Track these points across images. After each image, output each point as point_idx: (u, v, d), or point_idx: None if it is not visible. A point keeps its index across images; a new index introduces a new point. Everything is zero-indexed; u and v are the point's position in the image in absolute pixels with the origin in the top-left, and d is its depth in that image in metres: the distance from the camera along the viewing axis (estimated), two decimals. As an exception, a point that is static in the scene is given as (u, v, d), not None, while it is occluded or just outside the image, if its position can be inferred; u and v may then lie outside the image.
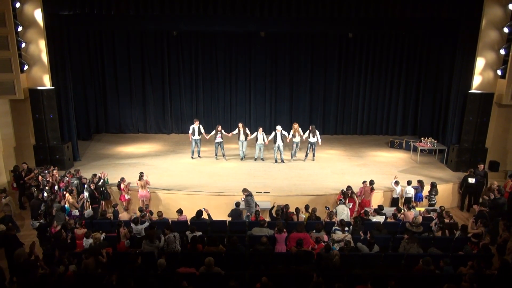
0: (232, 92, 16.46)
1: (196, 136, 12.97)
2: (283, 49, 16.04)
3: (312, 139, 12.95)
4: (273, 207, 9.28)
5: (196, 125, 12.90)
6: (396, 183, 10.49)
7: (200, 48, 15.98)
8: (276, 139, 12.72)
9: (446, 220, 8.71)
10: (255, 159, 13.13)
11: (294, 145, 13.07)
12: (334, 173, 12.38)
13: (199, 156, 13.19)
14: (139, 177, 10.32)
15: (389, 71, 16.36)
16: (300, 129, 12.84)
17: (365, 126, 17.11)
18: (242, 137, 12.66)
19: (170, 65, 16.02)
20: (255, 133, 12.87)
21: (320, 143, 12.93)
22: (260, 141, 12.83)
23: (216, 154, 13.28)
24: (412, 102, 16.66)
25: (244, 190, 9.38)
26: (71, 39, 14.10)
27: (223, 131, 12.92)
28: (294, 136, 12.82)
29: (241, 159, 13.09)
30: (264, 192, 10.50)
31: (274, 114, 16.72)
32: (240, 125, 12.82)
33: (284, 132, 12.83)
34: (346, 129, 17.23)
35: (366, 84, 16.50)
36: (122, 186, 10.33)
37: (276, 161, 12.97)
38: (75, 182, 10.19)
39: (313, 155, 13.21)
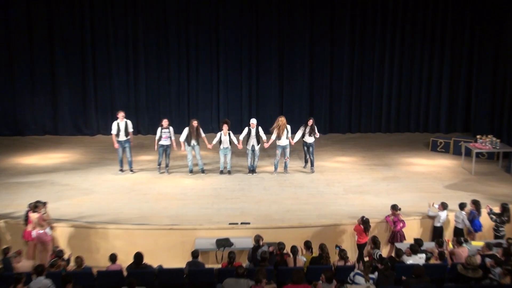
0: (190, 71, 16.74)
1: (122, 137, 13.27)
2: (269, 4, 16.35)
3: (309, 139, 13.37)
4: (259, 246, 9.37)
5: (121, 121, 13.16)
6: (443, 205, 10.72)
7: (140, 8, 16.20)
8: (250, 138, 13.08)
9: (517, 260, 8.63)
10: (221, 172, 13.43)
11: (278, 151, 13.34)
12: (348, 191, 12.50)
13: (130, 170, 13.53)
14: (33, 208, 10.06)
15: (427, 42, 16.81)
16: (288, 127, 13.12)
17: (394, 121, 17.41)
18: (193, 141, 13.12)
19: (93, 32, 16.19)
20: (218, 135, 13.20)
21: (318, 136, 13.48)
22: (225, 144, 13.20)
23: (160, 164, 13.44)
24: (461, 86, 17.04)
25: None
26: None
27: (171, 129, 13.20)
28: (278, 137, 13.08)
29: (190, 171, 13.40)
30: (241, 224, 10.66)
31: (255, 103, 16.97)
32: (194, 123, 13.13)
33: (262, 134, 13.24)
34: (364, 125, 17.50)
35: (394, 61, 16.86)
36: (33, 216, 10.03)
37: (250, 171, 13.47)
38: None
39: (312, 163, 13.57)
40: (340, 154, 15.63)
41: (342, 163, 14.82)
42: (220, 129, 13.28)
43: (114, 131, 13.20)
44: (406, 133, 17.73)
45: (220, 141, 13.22)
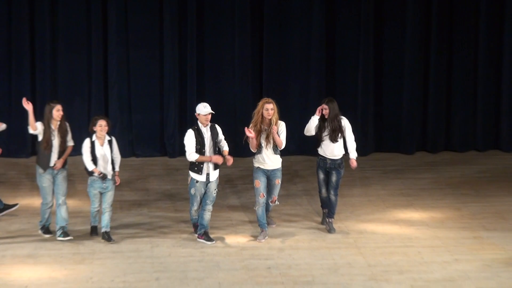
0: (41, 19, 14.45)
1: None
2: None
3: (332, 150, 10.98)
4: None
5: None
6: None
7: None
8: (203, 149, 10.84)
9: None
10: (106, 234, 11.11)
11: (259, 184, 10.87)
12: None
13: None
14: None
15: None
16: (283, 126, 10.71)
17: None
18: (53, 158, 10.86)
19: None
20: (87, 145, 10.94)
21: (353, 145, 10.88)
22: (103, 168, 11.21)
23: None
24: None
25: None
26: None
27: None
28: (255, 148, 10.66)
29: (43, 229, 11.16)
30: None
31: (194, 78, 14.84)
32: (55, 110, 10.85)
33: (223, 141, 10.96)
34: (458, 135, 15.28)
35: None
36: None
37: (197, 230, 10.84)
38: None
39: (332, 210, 11.07)
40: (403, 203, 11.81)
41: (408, 224, 11.03)
42: (90, 132, 10.88)
43: None
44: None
45: (93, 161, 10.68)
